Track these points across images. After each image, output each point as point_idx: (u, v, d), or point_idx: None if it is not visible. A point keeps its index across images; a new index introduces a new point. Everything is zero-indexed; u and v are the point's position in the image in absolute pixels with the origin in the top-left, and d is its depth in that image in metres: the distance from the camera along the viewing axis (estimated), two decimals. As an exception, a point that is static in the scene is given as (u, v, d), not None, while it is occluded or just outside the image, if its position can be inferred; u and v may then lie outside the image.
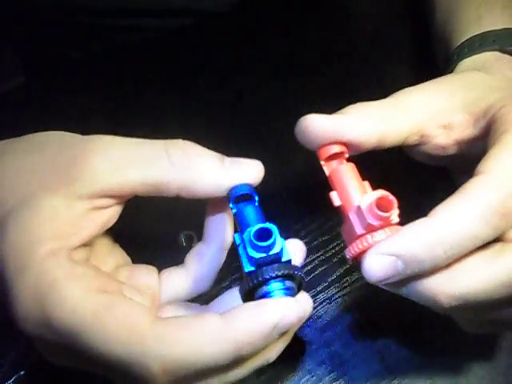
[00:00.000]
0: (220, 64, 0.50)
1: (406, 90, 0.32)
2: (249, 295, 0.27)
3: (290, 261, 0.27)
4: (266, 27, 0.52)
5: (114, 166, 0.27)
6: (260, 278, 0.26)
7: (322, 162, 0.31)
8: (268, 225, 0.26)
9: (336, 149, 0.30)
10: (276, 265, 0.26)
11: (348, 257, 0.29)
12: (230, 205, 0.28)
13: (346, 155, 0.31)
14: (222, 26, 0.52)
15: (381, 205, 0.27)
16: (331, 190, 0.30)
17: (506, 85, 0.33)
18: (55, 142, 0.29)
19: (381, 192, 0.27)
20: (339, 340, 0.36)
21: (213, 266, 0.32)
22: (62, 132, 0.30)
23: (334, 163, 0.31)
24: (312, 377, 0.35)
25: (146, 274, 0.32)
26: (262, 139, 0.44)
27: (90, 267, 0.27)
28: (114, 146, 0.28)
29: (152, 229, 0.40)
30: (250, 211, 0.28)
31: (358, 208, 0.28)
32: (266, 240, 0.26)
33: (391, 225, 0.28)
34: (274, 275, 0.26)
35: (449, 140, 0.32)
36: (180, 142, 0.29)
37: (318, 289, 0.37)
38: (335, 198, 0.30)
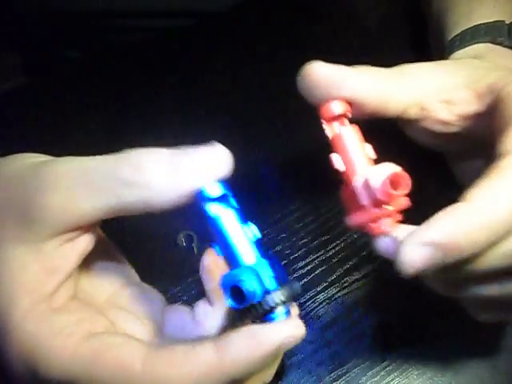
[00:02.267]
0: (220, 64, 0.50)
1: (412, 64, 0.32)
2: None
3: (288, 281, 0.26)
4: (266, 27, 0.52)
5: (65, 200, 0.25)
6: (264, 310, 0.24)
7: (324, 123, 0.30)
8: (241, 282, 0.24)
9: (338, 106, 0.29)
10: (279, 292, 0.24)
11: (350, 224, 0.28)
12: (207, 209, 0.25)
13: (349, 115, 0.30)
14: (222, 27, 0.52)
15: (392, 181, 0.26)
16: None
17: (501, 67, 0.33)
18: (3, 181, 0.27)
19: (393, 168, 0.26)
20: (339, 340, 0.36)
21: (221, 325, 0.30)
22: (13, 158, 0.28)
23: (336, 125, 0.30)
24: (312, 377, 0.35)
25: (149, 304, 0.31)
26: (262, 139, 0.44)
27: (72, 311, 0.26)
28: (65, 174, 0.25)
29: (152, 229, 0.40)
30: (228, 221, 0.25)
31: (366, 181, 0.27)
32: (240, 301, 0.24)
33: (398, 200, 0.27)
34: (278, 303, 0.24)
35: (451, 115, 0.32)
36: (132, 155, 0.25)
37: (318, 289, 0.37)
38: (338, 162, 0.28)
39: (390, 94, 0.30)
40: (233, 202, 0.25)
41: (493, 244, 0.25)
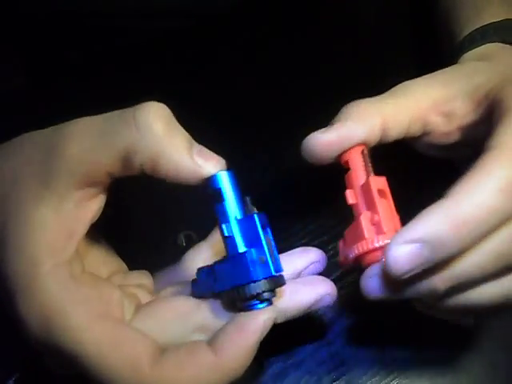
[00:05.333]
0: (220, 65, 0.50)
1: (405, 82, 0.33)
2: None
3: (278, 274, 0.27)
4: (266, 28, 0.52)
5: (83, 149, 0.26)
6: (246, 295, 0.26)
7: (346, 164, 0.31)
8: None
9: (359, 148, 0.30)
10: (263, 281, 0.26)
11: (351, 256, 0.29)
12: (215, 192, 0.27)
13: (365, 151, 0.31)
14: (221, 28, 0.52)
15: None
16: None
17: (507, 70, 0.33)
18: (29, 142, 0.28)
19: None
20: (339, 340, 0.36)
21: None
22: (30, 133, 0.29)
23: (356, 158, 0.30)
24: (312, 377, 0.35)
25: (138, 277, 0.32)
26: (262, 139, 0.44)
27: (93, 288, 0.27)
28: (83, 127, 0.27)
29: (152, 229, 0.40)
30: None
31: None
32: None
33: None
34: (260, 292, 0.26)
35: (451, 126, 0.32)
36: (153, 105, 0.27)
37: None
38: (351, 197, 0.30)
39: (390, 121, 0.31)
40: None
41: (478, 240, 0.25)
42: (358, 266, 0.29)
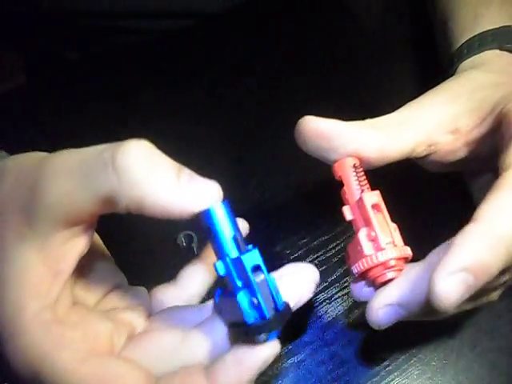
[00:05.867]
0: (220, 65, 0.50)
1: (409, 104, 0.32)
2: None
3: (283, 307, 0.25)
4: (266, 28, 0.52)
5: (63, 192, 0.25)
6: (253, 334, 0.24)
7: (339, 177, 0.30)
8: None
9: (350, 161, 0.30)
10: (269, 322, 0.24)
11: (354, 272, 0.29)
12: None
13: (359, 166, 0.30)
14: (221, 28, 0.52)
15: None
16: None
17: (508, 79, 0.33)
18: (11, 177, 0.27)
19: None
20: (339, 340, 0.36)
21: (207, 282, 0.31)
22: (19, 156, 0.28)
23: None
24: (312, 377, 0.35)
25: (135, 297, 0.31)
26: (262, 139, 0.44)
27: (78, 327, 0.26)
28: (63, 167, 0.25)
29: (152, 229, 0.40)
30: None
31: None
32: None
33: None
34: (255, 334, 0.24)
35: (457, 143, 0.32)
36: (131, 145, 0.24)
37: (318, 289, 0.37)
38: (348, 214, 0.30)
39: (391, 143, 0.30)
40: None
41: None
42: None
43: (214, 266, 0.25)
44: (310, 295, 0.27)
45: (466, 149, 0.33)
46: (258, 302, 0.24)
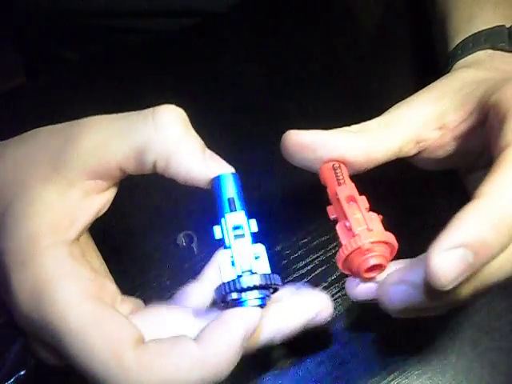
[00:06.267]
0: (220, 65, 0.50)
1: (397, 105, 0.33)
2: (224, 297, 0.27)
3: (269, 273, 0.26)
4: (266, 28, 0.52)
5: (97, 143, 0.27)
6: (237, 287, 0.25)
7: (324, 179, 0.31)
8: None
9: (329, 165, 0.30)
10: (253, 276, 0.25)
11: (340, 267, 0.29)
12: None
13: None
14: (222, 27, 0.52)
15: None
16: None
17: (496, 75, 0.33)
18: (46, 131, 0.29)
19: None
20: (339, 340, 0.36)
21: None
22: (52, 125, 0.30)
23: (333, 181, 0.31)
24: (312, 377, 0.35)
25: (131, 308, 0.31)
26: (262, 140, 0.44)
27: (90, 269, 0.27)
28: (100, 123, 0.27)
29: (152, 229, 0.40)
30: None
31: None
32: None
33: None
34: (251, 286, 0.25)
35: (445, 138, 0.32)
36: (173, 107, 0.28)
37: (318, 289, 0.37)
38: (332, 213, 0.30)
39: (376, 145, 0.31)
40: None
41: None
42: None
43: (212, 229, 0.27)
44: (308, 322, 0.29)
45: (454, 143, 0.33)
46: (232, 261, 0.26)
